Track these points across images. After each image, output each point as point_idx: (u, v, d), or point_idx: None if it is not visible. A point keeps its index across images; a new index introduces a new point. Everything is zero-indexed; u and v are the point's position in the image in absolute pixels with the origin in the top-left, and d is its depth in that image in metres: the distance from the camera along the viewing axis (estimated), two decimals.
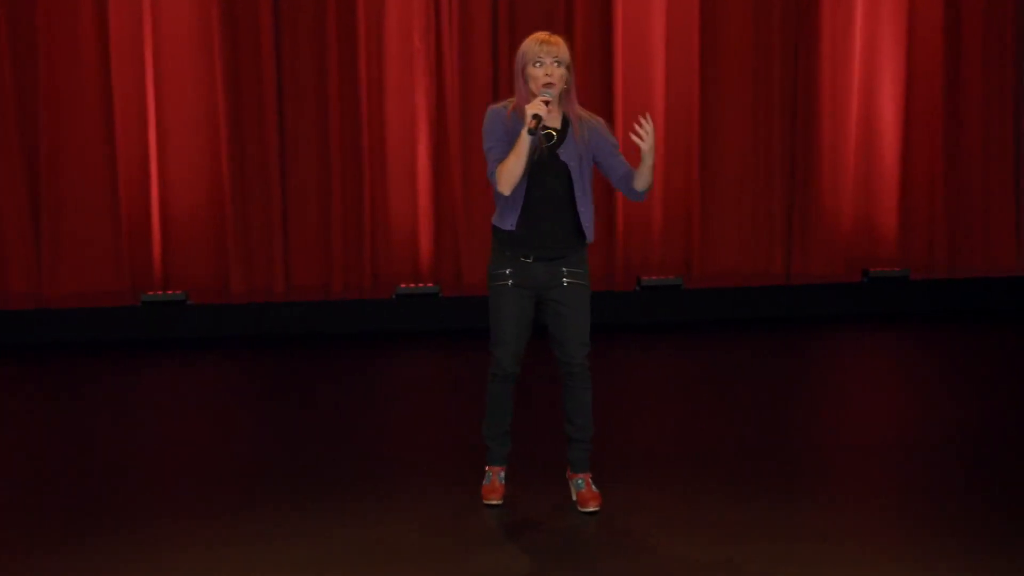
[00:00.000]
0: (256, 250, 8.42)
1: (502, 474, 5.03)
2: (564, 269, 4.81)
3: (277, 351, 7.82)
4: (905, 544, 4.62)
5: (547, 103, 4.58)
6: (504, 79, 8.32)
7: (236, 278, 8.34)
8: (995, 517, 4.81)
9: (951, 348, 7.90)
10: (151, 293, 8.17)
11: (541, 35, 4.70)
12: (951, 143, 8.89)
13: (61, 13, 8.09)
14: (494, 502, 4.97)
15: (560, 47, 4.66)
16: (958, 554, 4.44)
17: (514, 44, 8.38)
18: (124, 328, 8.07)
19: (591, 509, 4.88)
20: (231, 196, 8.27)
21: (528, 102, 4.63)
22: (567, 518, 4.88)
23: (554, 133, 4.74)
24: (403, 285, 8.38)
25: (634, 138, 4.64)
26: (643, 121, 4.62)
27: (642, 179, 4.73)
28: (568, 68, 4.69)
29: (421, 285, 8.40)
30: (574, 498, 4.97)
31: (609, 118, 8.49)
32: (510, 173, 4.60)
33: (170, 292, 8.19)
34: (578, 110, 4.78)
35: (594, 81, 8.53)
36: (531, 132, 4.52)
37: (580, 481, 4.97)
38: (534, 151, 4.65)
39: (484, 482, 5.03)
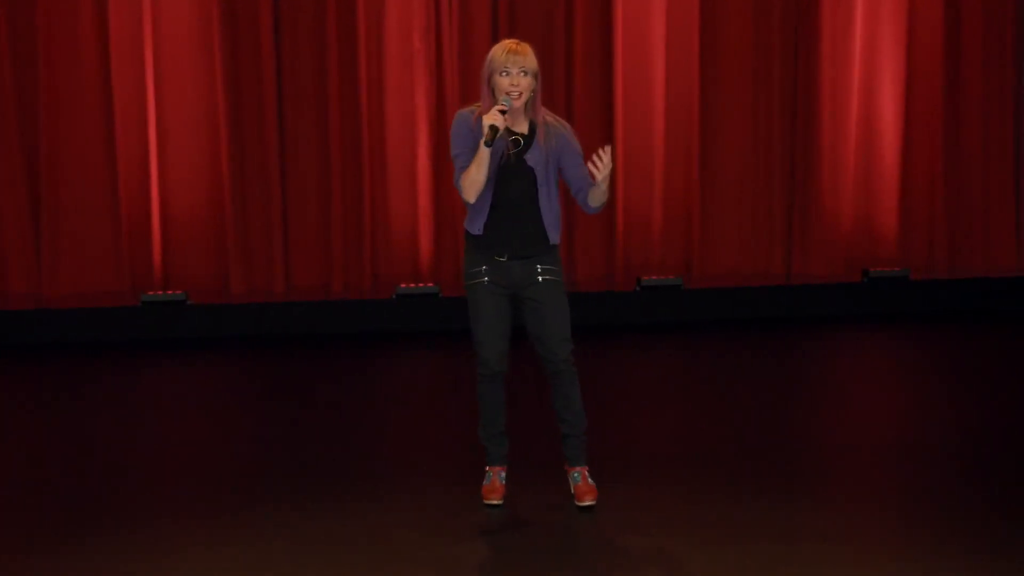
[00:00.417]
0: (256, 250, 8.41)
1: (502, 474, 5.04)
2: (538, 267, 4.85)
3: (277, 351, 7.82)
4: (905, 544, 4.62)
5: (504, 112, 4.61)
6: None
7: (236, 278, 8.34)
8: (995, 517, 4.80)
9: (951, 348, 7.90)
10: (151, 293, 8.17)
11: (509, 43, 4.73)
12: (951, 143, 8.89)
13: (61, 13, 8.09)
14: (494, 502, 4.97)
15: (527, 57, 4.69)
16: (958, 554, 4.44)
17: None
18: (124, 328, 8.07)
19: (587, 503, 4.91)
20: (231, 196, 8.27)
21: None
22: (567, 518, 4.88)
23: (520, 139, 4.79)
24: (403, 285, 8.38)
25: (591, 168, 4.66)
26: (601, 154, 4.64)
27: (596, 198, 4.78)
28: (535, 76, 4.72)
29: (421, 285, 8.40)
30: (572, 492, 5.00)
31: (609, 119, 8.51)
32: (472, 182, 4.67)
33: (170, 292, 8.19)
34: (544, 116, 4.82)
35: (594, 81, 8.53)
36: (487, 144, 4.57)
37: (576, 475, 5.00)
38: (501, 156, 4.73)
39: (484, 482, 5.04)
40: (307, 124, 8.39)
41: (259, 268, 8.42)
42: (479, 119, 4.71)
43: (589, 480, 4.97)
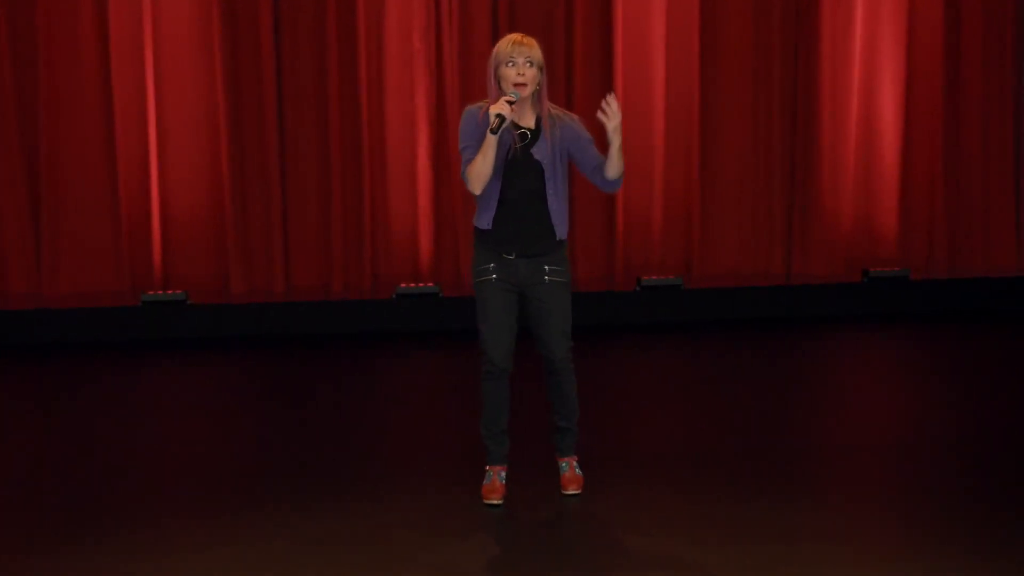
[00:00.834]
0: (256, 250, 8.42)
1: (503, 474, 5.04)
2: (545, 267, 4.87)
3: (277, 351, 7.82)
4: (905, 544, 4.61)
5: (511, 103, 4.64)
6: None
7: (236, 278, 8.34)
8: (995, 517, 4.80)
9: (951, 348, 7.90)
10: (151, 293, 8.17)
11: (515, 36, 4.77)
12: (951, 143, 8.89)
13: (61, 13, 8.09)
14: (494, 502, 4.98)
15: (533, 48, 4.72)
16: (958, 554, 4.44)
17: None
18: (124, 328, 8.07)
19: (572, 491, 5.05)
20: (231, 196, 8.27)
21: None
22: (567, 518, 4.88)
23: (528, 133, 4.81)
24: (403, 285, 8.38)
25: (600, 116, 4.69)
26: (608, 99, 4.66)
27: (612, 165, 4.77)
28: (540, 69, 4.75)
29: (421, 285, 8.40)
30: (559, 481, 5.09)
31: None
32: (478, 173, 4.69)
33: (170, 292, 8.19)
34: (550, 109, 4.85)
35: (594, 81, 8.53)
36: (493, 131, 4.59)
37: (565, 465, 5.11)
38: (508, 151, 4.74)
39: (484, 482, 5.04)
40: (307, 124, 8.39)
41: (259, 268, 8.43)
42: (486, 113, 4.73)
43: (577, 470, 5.10)
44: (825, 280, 8.75)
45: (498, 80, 4.73)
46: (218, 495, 5.15)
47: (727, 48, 8.68)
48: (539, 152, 4.80)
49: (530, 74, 4.70)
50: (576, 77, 8.48)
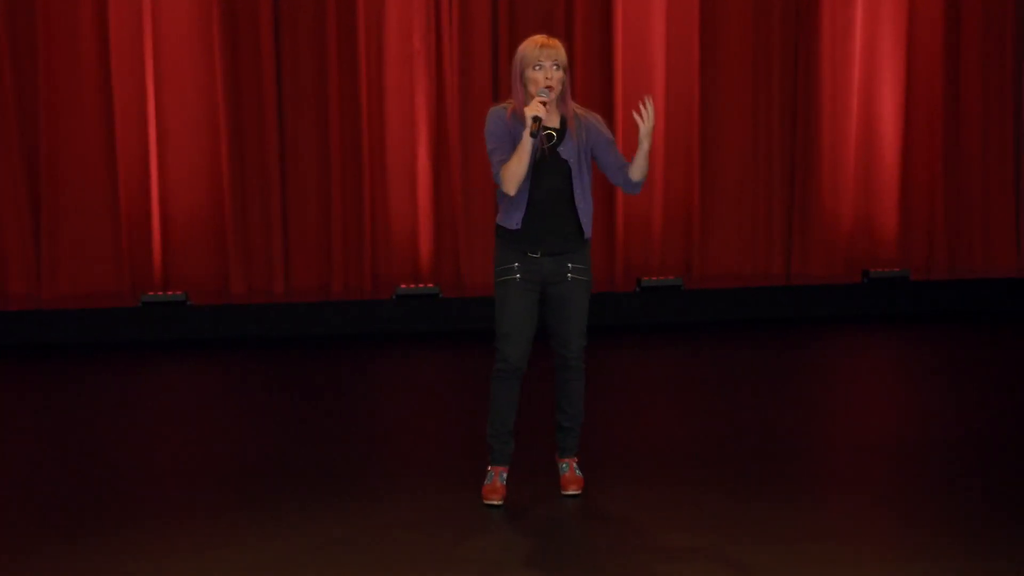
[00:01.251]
0: (256, 251, 8.42)
1: (504, 475, 5.03)
2: (569, 264, 4.90)
3: (277, 352, 7.82)
4: (905, 544, 4.61)
5: (544, 103, 4.66)
6: (504, 79, 8.33)
7: (236, 279, 8.34)
8: (995, 517, 4.80)
9: (951, 349, 7.90)
10: (151, 294, 8.17)
11: (539, 38, 4.79)
12: (951, 143, 8.89)
13: (61, 13, 8.09)
14: (495, 503, 4.97)
15: (559, 50, 4.76)
16: (958, 554, 4.44)
17: (514, 44, 8.37)
18: (124, 329, 8.07)
19: (572, 492, 5.05)
20: (231, 196, 8.27)
21: (526, 105, 4.73)
22: (570, 519, 4.88)
23: (554, 133, 4.84)
24: (403, 286, 8.38)
25: (635, 116, 4.73)
26: (646, 101, 4.71)
27: (638, 167, 4.80)
28: (565, 70, 4.79)
29: (421, 286, 8.40)
30: (560, 481, 5.09)
31: (609, 118, 8.50)
32: (514, 174, 4.70)
33: (170, 293, 8.19)
34: (575, 109, 4.88)
35: (594, 81, 8.54)
36: (533, 135, 4.62)
37: (565, 465, 5.11)
38: (536, 151, 4.77)
39: (486, 481, 5.03)
40: (307, 124, 8.39)
41: (259, 268, 8.43)
42: (513, 114, 4.76)
43: (577, 471, 5.10)
44: (825, 281, 8.75)
45: (524, 83, 4.76)
46: (218, 495, 5.15)
47: (727, 48, 8.69)
48: (566, 152, 4.83)
49: (557, 76, 4.74)
50: (576, 77, 8.47)
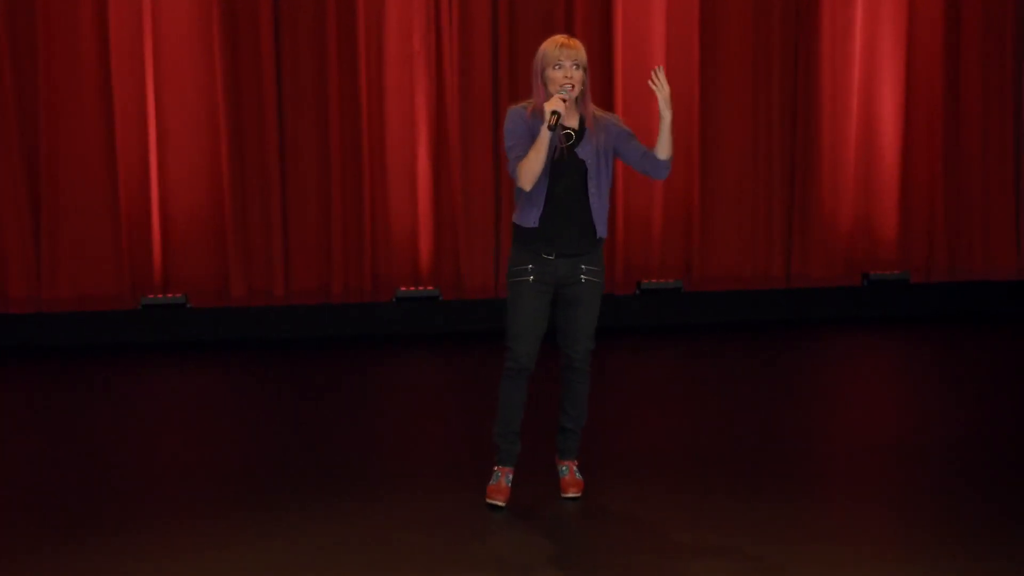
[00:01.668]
0: (256, 251, 8.40)
1: (510, 476, 5.04)
2: (583, 266, 4.92)
3: (277, 354, 7.81)
4: (905, 544, 4.61)
5: (564, 100, 4.70)
6: (504, 80, 8.32)
7: (236, 281, 8.33)
8: (995, 518, 4.80)
9: (951, 351, 7.90)
10: (151, 296, 8.16)
11: (560, 38, 4.84)
12: (951, 143, 8.88)
13: (61, 13, 8.08)
14: (498, 503, 4.97)
15: (579, 50, 4.81)
16: (958, 554, 4.44)
17: (514, 44, 8.43)
18: (124, 331, 8.07)
19: (571, 495, 5.06)
20: (231, 197, 8.26)
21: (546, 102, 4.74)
22: (571, 520, 4.88)
23: (572, 133, 4.87)
24: (403, 288, 8.38)
25: (651, 84, 4.76)
26: (657, 70, 4.75)
27: (663, 145, 4.83)
28: (585, 70, 4.83)
29: (421, 288, 8.39)
30: (559, 483, 5.10)
31: None
32: (530, 169, 4.72)
33: (170, 295, 8.18)
34: (593, 110, 4.92)
35: (594, 81, 8.50)
36: (551, 128, 4.64)
37: (565, 468, 5.13)
38: (554, 150, 4.80)
39: (491, 481, 5.03)
40: (307, 124, 8.38)
41: (259, 270, 8.41)
42: (533, 113, 4.79)
43: (577, 474, 5.12)
44: (825, 283, 8.74)
45: (544, 82, 4.78)
46: (218, 496, 5.15)
47: (727, 48, 8.67)
48: (584, 152, 4.86)
49: (577, 76, 4.78)
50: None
